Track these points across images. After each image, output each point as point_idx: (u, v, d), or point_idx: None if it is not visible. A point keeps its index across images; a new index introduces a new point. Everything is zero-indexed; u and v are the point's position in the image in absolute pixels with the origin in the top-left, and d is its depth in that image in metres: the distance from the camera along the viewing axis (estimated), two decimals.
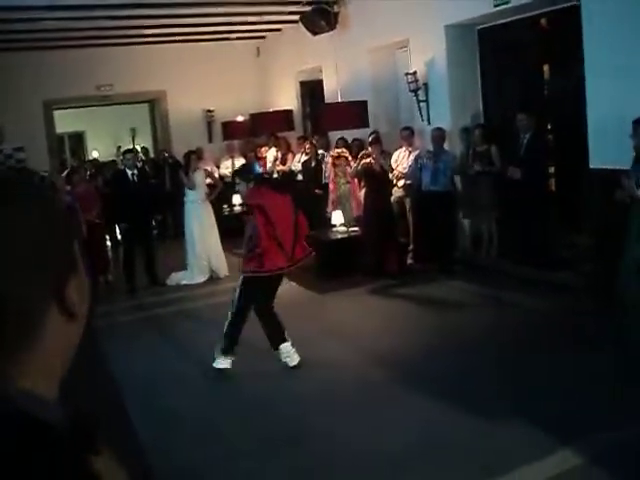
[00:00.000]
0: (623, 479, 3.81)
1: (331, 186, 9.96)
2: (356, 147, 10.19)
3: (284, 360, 5.97)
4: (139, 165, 10.99)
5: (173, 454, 4.46)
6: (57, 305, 0.86)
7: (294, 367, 5.94)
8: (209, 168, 11.26)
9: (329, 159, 10.13)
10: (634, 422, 4.32)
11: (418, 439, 4.48)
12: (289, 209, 5.91)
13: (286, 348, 5.96)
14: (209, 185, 9.85)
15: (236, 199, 12.15)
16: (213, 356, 5.97)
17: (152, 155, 14.88)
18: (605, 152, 6.87)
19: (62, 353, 0.90)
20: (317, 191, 10.62)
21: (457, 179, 9.20)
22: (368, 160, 8.85)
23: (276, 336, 5.97)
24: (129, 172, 9.30)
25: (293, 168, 12.00)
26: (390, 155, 9.49)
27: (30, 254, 0.83)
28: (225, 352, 5.94)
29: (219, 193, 10.14)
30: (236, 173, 6.80)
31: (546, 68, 8.83)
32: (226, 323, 5.94)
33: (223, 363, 5.97)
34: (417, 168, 9.01)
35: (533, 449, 4.17)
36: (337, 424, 4.83)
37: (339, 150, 9.90)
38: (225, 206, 12.37)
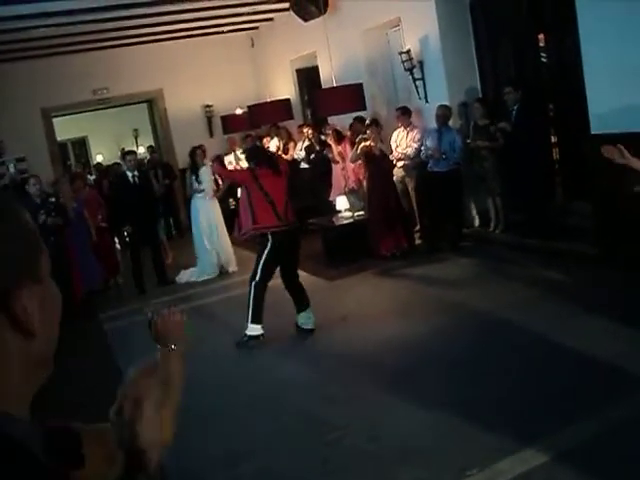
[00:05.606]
0: None
1: (352, 166, 9.86)
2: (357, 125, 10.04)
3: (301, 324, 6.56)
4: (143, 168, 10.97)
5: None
6: (8, 320, 0.80)
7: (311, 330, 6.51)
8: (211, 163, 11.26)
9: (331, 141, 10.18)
10: None
11: (431, 424, 4.47)
12: (282, 185, 6.47)
13: (306, 314, 6.55)
14: (215, 181, 9.88)
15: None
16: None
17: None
18: (606, 116, 6.78)
19: (25, 373, 0.83)
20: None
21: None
22: (367, 143, 8.77)
23: (299, 302, 6.56)
24: (129, 174, 9.27)
25: (296, 157, 11.97)
26: (384, 138, 9.35)
27: None
28: (254, 319, 6.35)
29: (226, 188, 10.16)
30: (245, 152, 7.33)
31: (541, 37, 8.69)
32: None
33: (255, 330, 6.38)
34: (425, 148, 8.90)
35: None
36: (344, 411, 4.84)
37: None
38: (231, 200, 12.35)
